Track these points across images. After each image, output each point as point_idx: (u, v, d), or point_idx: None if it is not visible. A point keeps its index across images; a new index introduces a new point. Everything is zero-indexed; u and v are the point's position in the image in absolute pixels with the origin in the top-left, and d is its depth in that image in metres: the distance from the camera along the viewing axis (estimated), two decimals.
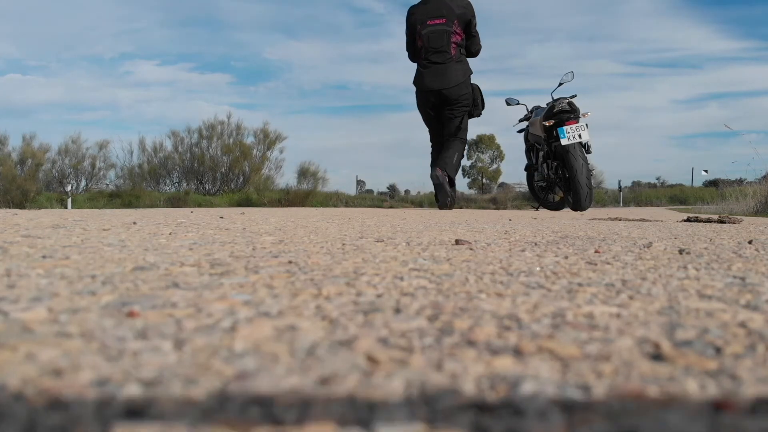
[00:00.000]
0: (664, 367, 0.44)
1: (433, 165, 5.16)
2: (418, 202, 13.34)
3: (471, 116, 5.30)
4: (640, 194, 17.93)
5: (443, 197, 5.03)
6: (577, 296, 0.72)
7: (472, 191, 21.35)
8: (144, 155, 13.42)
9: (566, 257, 1.15)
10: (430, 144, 5.42)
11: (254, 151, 13.45)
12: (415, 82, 5.17)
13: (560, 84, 6.07)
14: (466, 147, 5.34)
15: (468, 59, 5.25)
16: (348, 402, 0.36)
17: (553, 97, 6.04)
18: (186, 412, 0.34)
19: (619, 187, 16.17)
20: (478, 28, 5.14)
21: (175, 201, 10.77)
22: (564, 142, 5.45)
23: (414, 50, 5.18)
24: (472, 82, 5.24)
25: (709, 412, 0.36)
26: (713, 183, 17.15)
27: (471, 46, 5.12)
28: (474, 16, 5.03)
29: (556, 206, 6.24)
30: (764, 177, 7.18)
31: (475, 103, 5.24)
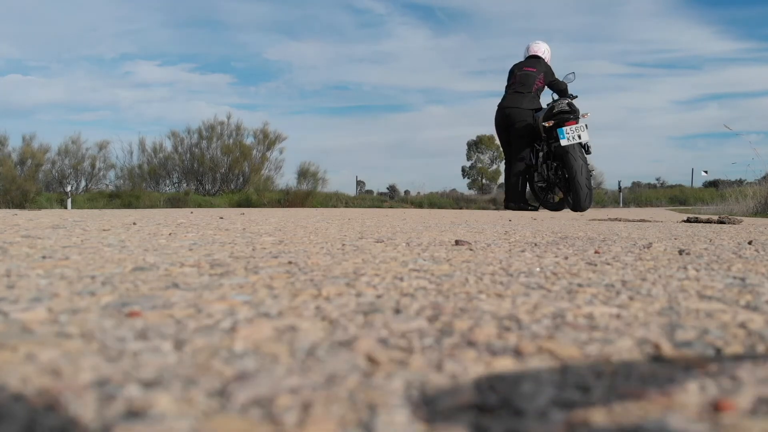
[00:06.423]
0: (665, 368, 0.44)
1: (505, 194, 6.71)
2: (418, 203, 13.32)
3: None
4: (639, 195, 17.91)
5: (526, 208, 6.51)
6: (577, 297, 0.72)
7: (472, 192, 21.32)
8: (144, 156, 13.40)
9: (566, 258, 1.15)
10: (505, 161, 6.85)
11: (254, 151, 13.43)
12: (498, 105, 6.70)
13: None
14: (522, 163, 6.49)
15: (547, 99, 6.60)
16: (348, 402, 0.36)
17: (553, 98, 6.05)
18: (186, 412, 0.34)
19: (619, 188, 16.16)
20: (557, 77, 6.57)
21: (175, 201, 10.76)
22: (563, 142, 5.46)
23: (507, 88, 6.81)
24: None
25: (709, 412, 0.36)
26: (713, 183, 17.14)
27: (553, 87, 6.47)
28: (549, 72, 6.57)
29: (555, 207, 6.24)
30: (764, 178, 7.18)
31: (536, 131, 6.37)
